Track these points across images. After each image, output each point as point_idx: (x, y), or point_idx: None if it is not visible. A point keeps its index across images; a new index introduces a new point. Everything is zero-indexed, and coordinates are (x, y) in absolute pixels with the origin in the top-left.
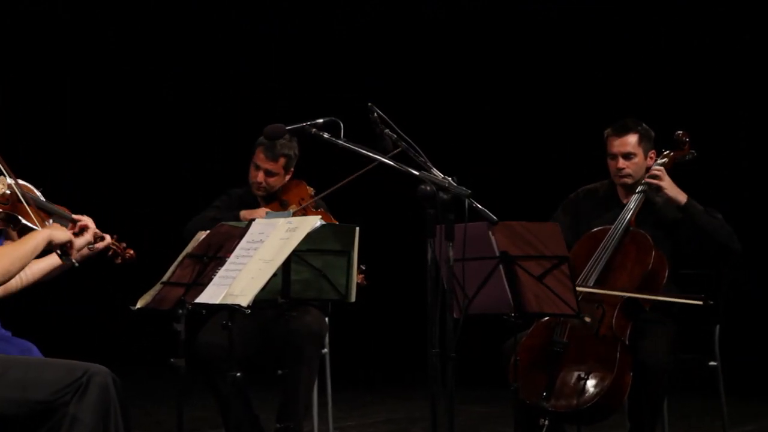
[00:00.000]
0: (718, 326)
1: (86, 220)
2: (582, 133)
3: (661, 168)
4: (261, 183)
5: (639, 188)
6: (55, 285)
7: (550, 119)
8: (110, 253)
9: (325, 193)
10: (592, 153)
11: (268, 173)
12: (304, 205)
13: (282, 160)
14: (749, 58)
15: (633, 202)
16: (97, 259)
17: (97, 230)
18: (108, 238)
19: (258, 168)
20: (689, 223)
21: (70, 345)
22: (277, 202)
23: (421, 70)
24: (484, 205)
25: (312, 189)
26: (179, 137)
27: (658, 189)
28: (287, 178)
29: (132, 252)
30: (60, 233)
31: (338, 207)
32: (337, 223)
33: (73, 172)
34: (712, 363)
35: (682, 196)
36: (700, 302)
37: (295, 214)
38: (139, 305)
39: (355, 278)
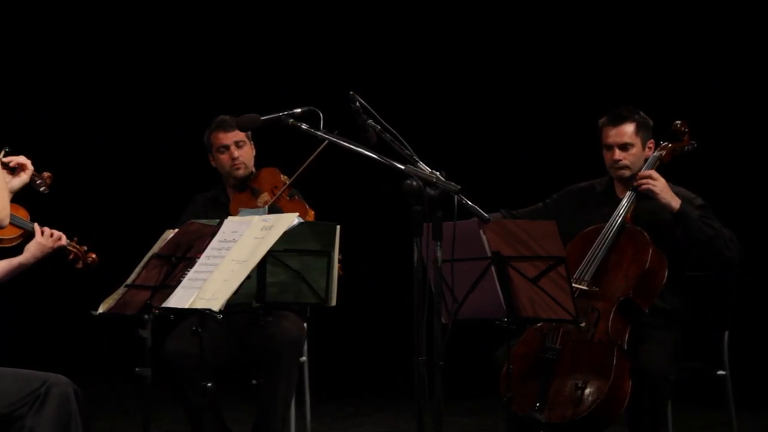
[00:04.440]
0: (726, 333)
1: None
2: (579, 125)
3: (652, 171)
4: (237, 158)
5: (631, 188)
6: (10, 287)
7: (544, 110)
8: (71, 257)
9: (297, 174)
10: (589, 145)
11: (238, 145)
12: (277, 194)
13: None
14: (752, 44)
15: (627, 198)
16: (56, 263)
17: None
18: (64, 238)
19: (226, 148)
20: (683, 229)
21: (27, 353)
22: (248, 190)
23: (407, 58)
24: (475, 202)
25: (287, 177)
26: (149, 135)
27: (651, 193)
28: (253, 151)
29: (94, 256)
30: None
31: (318, 204)
32: (314, 212)
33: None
34: (720, 372)
35: (675, 202)
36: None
37: (267, 203)
38: (101, 310)
39: (336, 280)
